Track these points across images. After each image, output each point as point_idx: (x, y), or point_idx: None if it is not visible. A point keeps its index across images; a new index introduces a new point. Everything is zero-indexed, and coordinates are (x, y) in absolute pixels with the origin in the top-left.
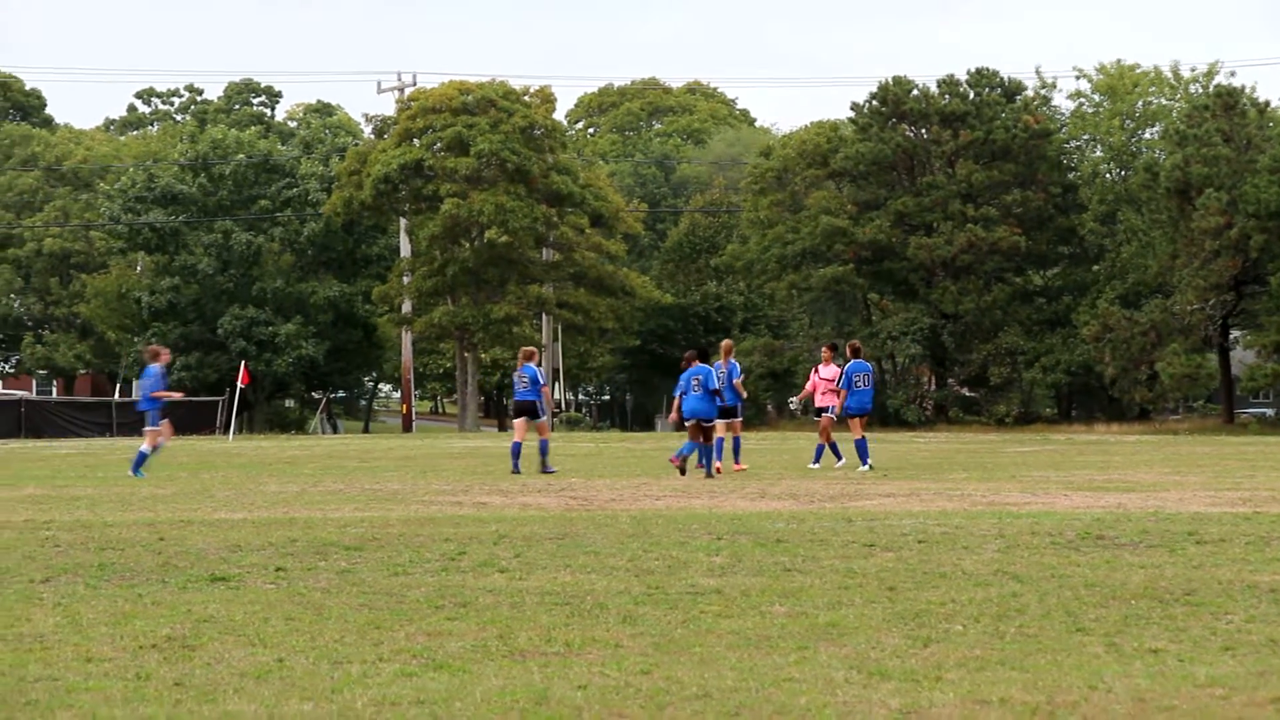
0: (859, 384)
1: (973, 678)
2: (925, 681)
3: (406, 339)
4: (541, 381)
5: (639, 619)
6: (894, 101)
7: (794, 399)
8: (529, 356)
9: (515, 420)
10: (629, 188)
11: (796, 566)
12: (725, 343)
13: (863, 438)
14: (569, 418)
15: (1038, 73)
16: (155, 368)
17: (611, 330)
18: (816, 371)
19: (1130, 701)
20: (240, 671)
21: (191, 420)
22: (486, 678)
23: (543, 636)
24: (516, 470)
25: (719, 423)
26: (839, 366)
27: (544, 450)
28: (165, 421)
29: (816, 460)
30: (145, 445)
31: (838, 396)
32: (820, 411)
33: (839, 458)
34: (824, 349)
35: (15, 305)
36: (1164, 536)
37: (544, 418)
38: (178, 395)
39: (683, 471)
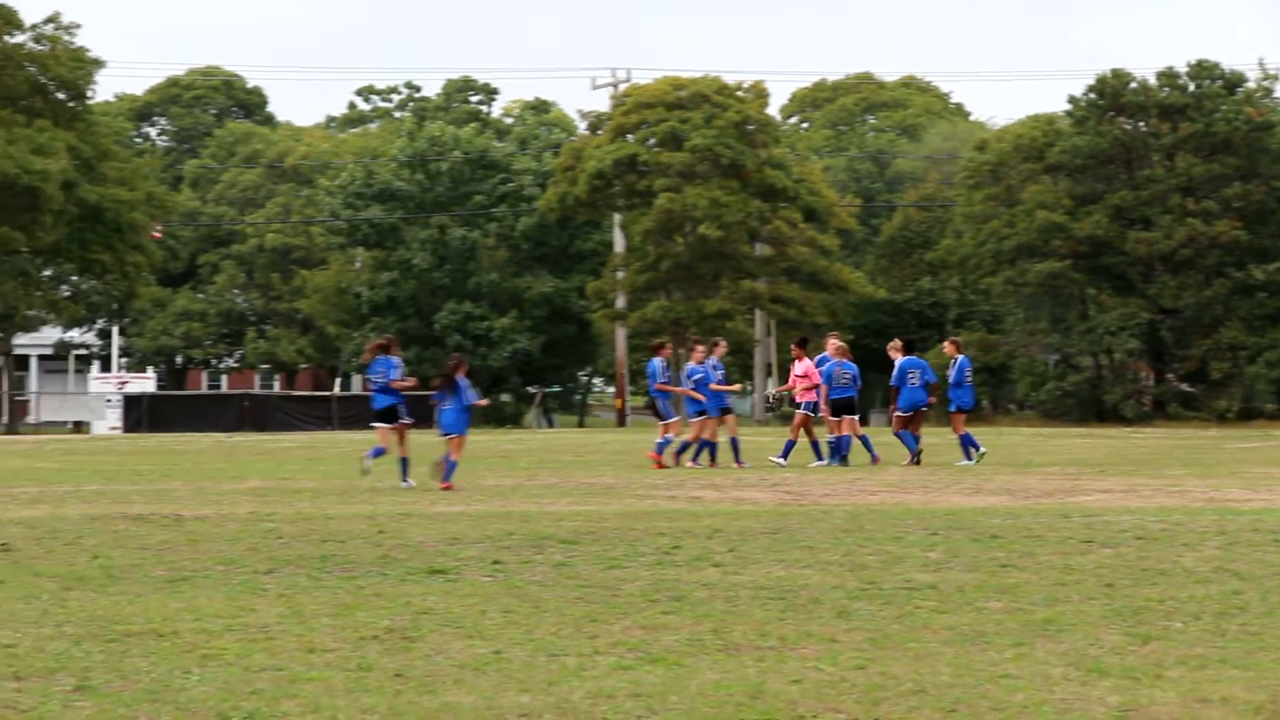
0: (841, 380)
1: (1193, 676)
2: (1145, 679)
3: (621, 334)
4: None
5: (854, 614)
6: (1112, 94)
7: (772, 390)
8: (842, 352)
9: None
10: (842, 183)
11: (1012, 562)
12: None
13: (847, 435)
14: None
15: (1260, 64)
16: (656, 361)
17: (825, 325)
18: (793, 368)
19: None
20: (459, 663)
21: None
22: (701, 672)
23: (757, 631)
24: (836, 461)
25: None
26: (811, 362)
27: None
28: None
29: (783, 455)
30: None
31: (818, 393)
32: (798, 407)
33: (819, 457)
34: (793, 346)
35: (239, 300)
36: None
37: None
38: (686, 391)
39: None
